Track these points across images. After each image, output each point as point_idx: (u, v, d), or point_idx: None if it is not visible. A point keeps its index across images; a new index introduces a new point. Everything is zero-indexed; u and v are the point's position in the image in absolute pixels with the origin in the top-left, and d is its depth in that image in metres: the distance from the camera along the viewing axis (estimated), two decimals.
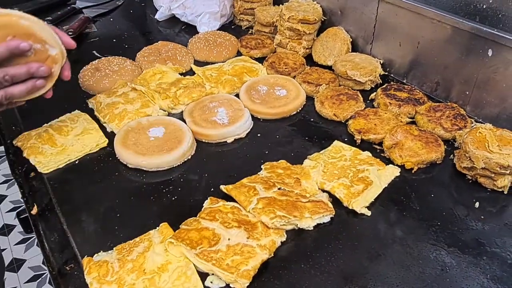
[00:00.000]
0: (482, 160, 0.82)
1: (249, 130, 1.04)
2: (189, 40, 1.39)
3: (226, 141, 1.00)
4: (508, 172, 0.81)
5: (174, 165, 0.93)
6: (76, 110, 1.07)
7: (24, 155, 0.93)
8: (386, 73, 1.22)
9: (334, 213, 0.80)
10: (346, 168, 0.89)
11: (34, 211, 0.83)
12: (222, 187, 0.85)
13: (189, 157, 0.95)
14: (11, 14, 0.74)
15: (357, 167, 0.89)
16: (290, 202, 0.80)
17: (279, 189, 0.83)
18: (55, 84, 0.81)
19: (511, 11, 0.91)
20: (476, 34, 0.96)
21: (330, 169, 0.89)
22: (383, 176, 0.88)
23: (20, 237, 2.23)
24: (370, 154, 0.93)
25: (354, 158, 0.92)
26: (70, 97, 1.12)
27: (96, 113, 1.06)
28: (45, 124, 1.01)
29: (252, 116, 1.07)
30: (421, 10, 1.05)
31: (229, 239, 0.73)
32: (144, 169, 0.91)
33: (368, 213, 0.81)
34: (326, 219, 0.80)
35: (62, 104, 1.08)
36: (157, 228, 0.77)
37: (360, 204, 0.81)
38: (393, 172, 0.89)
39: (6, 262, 2.05)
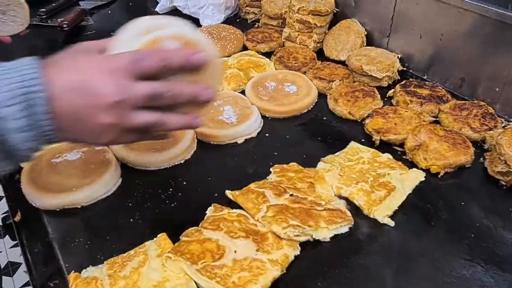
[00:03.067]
0: None
1: (260, 129, 0.95)
2: None
3: (236, 142, 0.91)
4: None
5: (161, 167, 0.84)
6: None
7: None
8: (405, 69, 1.13)
9: (352, 223, 0.71)
10: (365, 172, 0.80)
11: (17, 217, 0.74)
12: (227, 192, 0.76)
13: (182, 161, 0.86)
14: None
15: (377, 171, 0.80)
16: (304, 210, 0.71)
17: (291, 195, 0.74)
18: None
19: None
20: (507, 23, 0.87)
21: (347, 173, 0.80)
22: (407, 181, 0.79)
23: (15, 240, 2.16)
24: (391, 157, 0.84)
25: (373, 161, 0.83)
26: None
27: None
28: None
29: (260, 114, 0.98)
30: None
31: (235, 251, 0.64)
32: (130, 165, 0.84)
33: (392, 223, 0.72)
34: (344, 229, 0.71)
35: None
36: (154, 239, 0.68)
37: (383, 213, 0.72)
38: (417, 176, 0.80)
39: (2, 265, 1.98)
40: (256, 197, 0.73)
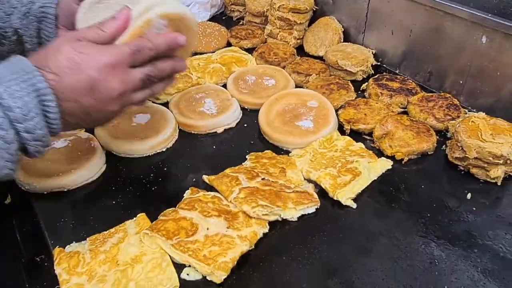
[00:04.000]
0: (475, 149, 0.79)
1: (238, 119, 1.01)
2: None
3: (216, 132, 0.97)
4: (501, 162, 0.78)
5: (144, 155, 0.89)
6: None
7: None
8: (379, 63, 1.18)
9: (319, 204, 0.77)
10: (335, 159, 0.85)
11: (8, 200, 0.80)
12: (204, 177, 0.82)
13: (164, 149, 0.91)
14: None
15: (347, 158, 0.85)
16: (274, 192, 0.76)
17: (262, 179, 0.80)
18: None
19: None
20: (469, 20, 0.93)
21: (318, 159, 0.85)
22: (373, 168, 0.84)
23: None
24: (363, 146, 0.89)
25: (345, 149, 0.88)
26: None
27: None
28: None
29: (240, 106, 1.04)
30: None
31: (207, 228, 0.70)
32: (114, 153, 0.89)
33: (354, 205, 0.77)
34: (311, 210, 0.76)
35: None
36: (134, 218, 0.74)
37: (346, 195, 0.77)
38: (384, 165, 0.85)
39: None
40: (230, 181, 0.78)
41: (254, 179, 0.79)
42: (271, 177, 0.80)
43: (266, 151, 0.89)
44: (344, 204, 0.77)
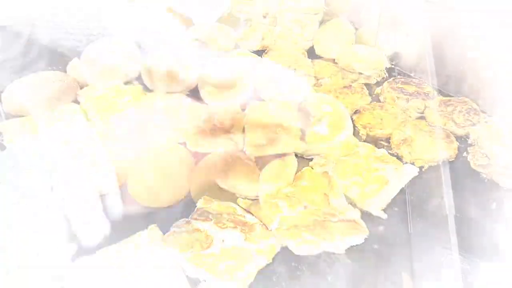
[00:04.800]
0: (500, 156, 0.75)
1: None
2: None
3: None
4: None
5: None
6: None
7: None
8: (393, 66, 1.15)
9: (368, 234, 0.70)
10: (359, 166, 0.81)
11: None
12: (240, 201, 0.76)
13: None
14: None
15: (372, 165, 0.81)
16: (318, 222, 0.70)
17: (305, 207, 0.74)
18: None
19: None
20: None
21: (341, 167, 0.81)
22: (400, 175, 0.80)
23: None
24: (386, 152, 0.85)
25: (368, 156, 0.84)
26: None
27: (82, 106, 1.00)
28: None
29: None
30: None
31: (223, 240, 0.67)
32: None
33: (384, 216, 0.73)
34: (360, 240, 0.70)
35: None
36: (146, 230, 0.70)
37: (376, 206, 0.74)
38: (411, 172, 0.81)
39: None
40: (270, 207, 0.73)
41: (296, 207, 0.73)
42: (313, 205, 0.74)
43: (304, 168, 0.83)
44: (375, 215, 0.73)
